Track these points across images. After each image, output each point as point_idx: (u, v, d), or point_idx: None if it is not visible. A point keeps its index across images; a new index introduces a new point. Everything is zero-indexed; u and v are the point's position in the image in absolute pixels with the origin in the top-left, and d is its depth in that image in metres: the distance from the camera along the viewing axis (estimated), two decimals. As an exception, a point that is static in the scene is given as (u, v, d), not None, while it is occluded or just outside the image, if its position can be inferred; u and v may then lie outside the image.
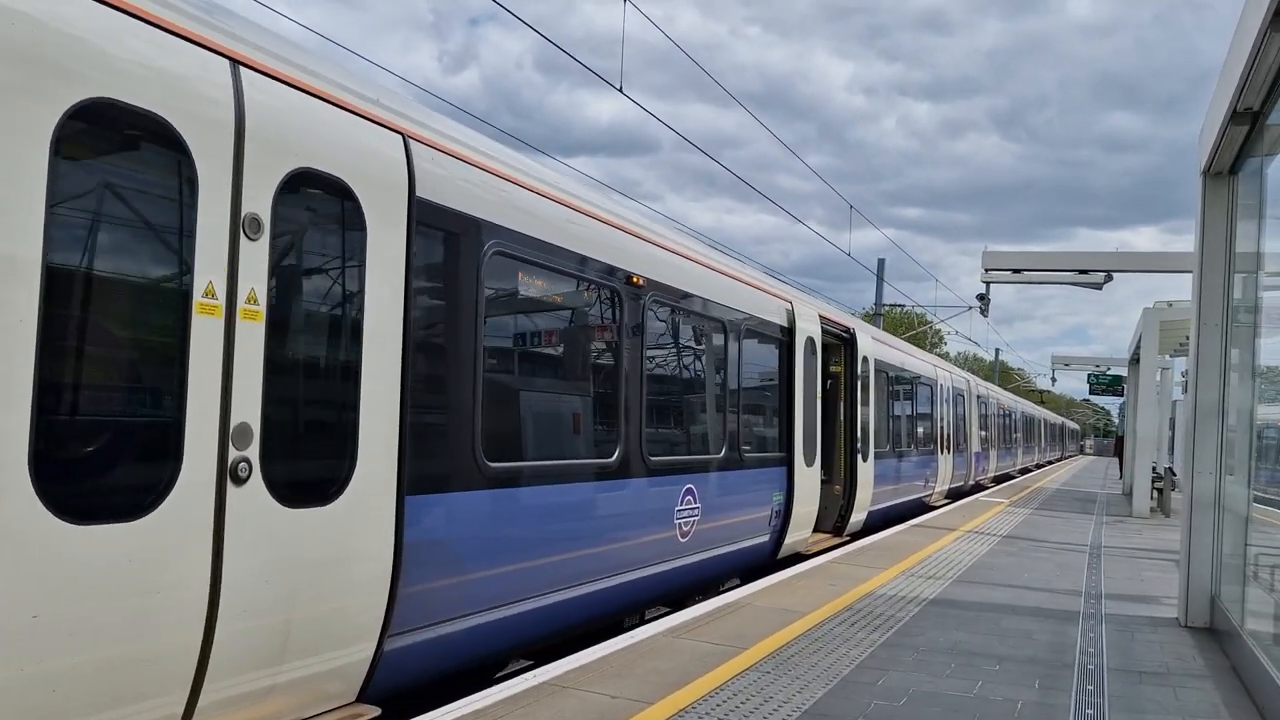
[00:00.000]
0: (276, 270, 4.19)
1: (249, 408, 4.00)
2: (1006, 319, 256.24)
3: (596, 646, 6.33)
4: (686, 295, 8.38)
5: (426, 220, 5.11)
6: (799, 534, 11.08)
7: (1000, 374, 68.36)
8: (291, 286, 4.35)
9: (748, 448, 9.58)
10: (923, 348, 32.55)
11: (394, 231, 4.83)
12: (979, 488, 27.79)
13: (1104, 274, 15.95)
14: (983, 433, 28.59)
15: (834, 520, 13.12)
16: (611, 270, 7.10)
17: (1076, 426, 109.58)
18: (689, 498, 8.20)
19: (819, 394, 11.79)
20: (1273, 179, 7.32)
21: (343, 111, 4.62)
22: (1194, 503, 8.28)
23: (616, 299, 7.17)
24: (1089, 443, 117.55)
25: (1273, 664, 5.90)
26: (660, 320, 7.99)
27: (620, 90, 10.66)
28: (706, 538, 8.59)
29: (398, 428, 4.82)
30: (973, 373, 35.05)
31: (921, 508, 19.02)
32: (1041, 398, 76.21)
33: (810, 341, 11.40)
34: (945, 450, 21.43)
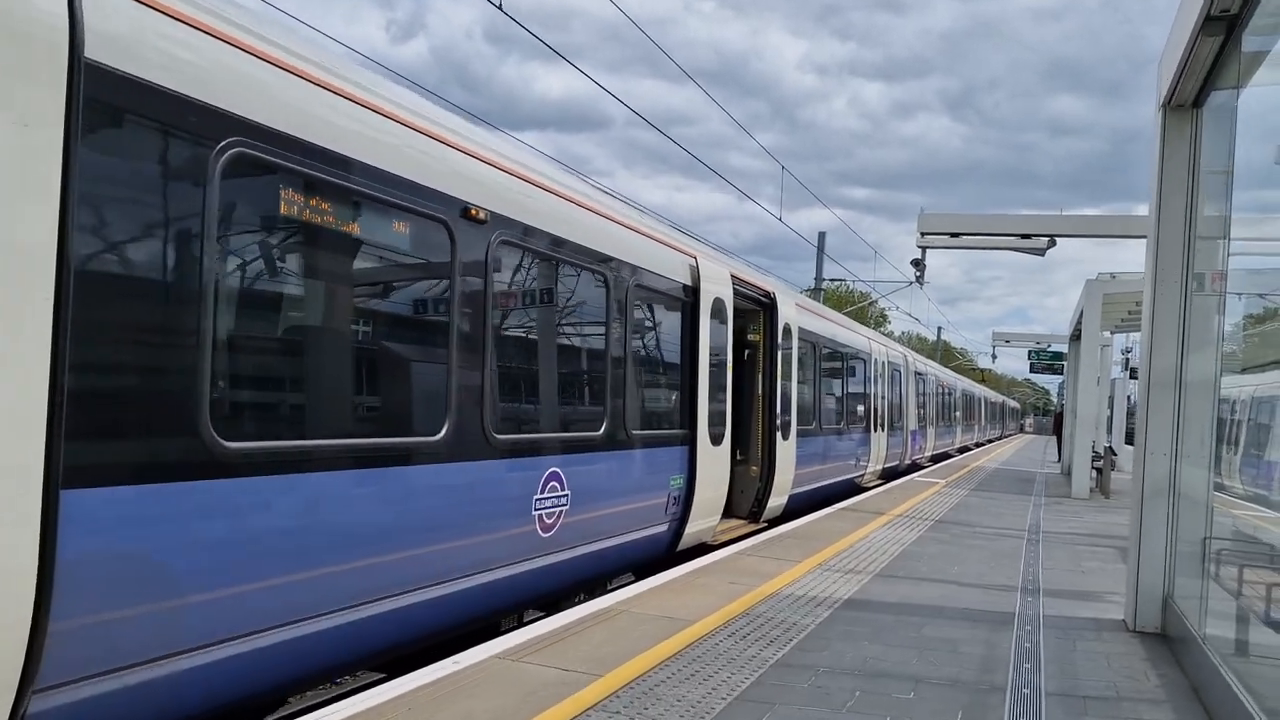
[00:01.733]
0: None
1: None
2: (950, 299, 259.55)
3: (406, 677, 4.92)
4: (552, 238, 6.89)
5: (107, 98, 3.58)
6: (703, 522, 9.74)
7: (942, 352, 68.10)
8: None
9: (635, 424, 8.16)
10: (865, 325, 31.55)
11: (36, 107, 3.30)
12: (916, 467, 26.93)
13: (1047, 239, 14.82)
14: (920, 410, 27.69)
15: (750, 505, 11.82)
16: (439, 197, 5.58)
17: (1017, 405, 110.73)
18: (554, 484, 6.77)
19: (729, 364, 10.41)
20: (1244, 113, 6.19)
21: None
22: (1145, 490, 7.12)
23: (447, 235, 5.66)
24: (1029, 421, 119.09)
25: (1243, 687, 4.77)
26: (513, 266, 6.51)
27: (499, 8, 9.12)
28: (579, 531, 7.18)
29: (46, 390, 3.32)
30: (915, 351, 34.23)
31: (852, 489, 17.90)
32: (982, 376, 76.46)
33: (719, 303, 9.99)
34: (879, 428, 20.32)
